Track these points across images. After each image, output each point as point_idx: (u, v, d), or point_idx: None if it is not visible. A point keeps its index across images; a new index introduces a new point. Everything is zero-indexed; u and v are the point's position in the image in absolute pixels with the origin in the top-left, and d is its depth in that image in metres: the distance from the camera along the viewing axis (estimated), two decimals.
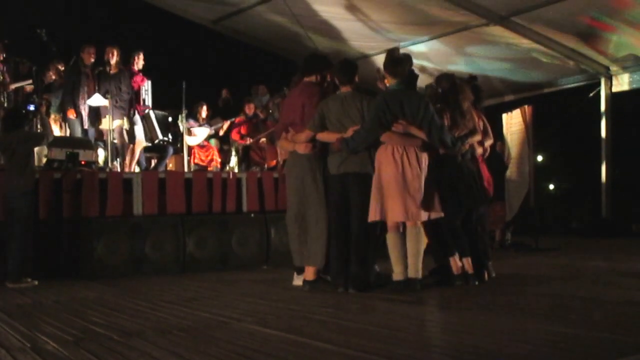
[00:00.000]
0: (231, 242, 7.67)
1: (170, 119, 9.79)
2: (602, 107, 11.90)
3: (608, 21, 9.65)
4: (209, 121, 10.50)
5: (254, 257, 7.75)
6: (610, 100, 11.83)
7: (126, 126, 8.81)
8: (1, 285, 6.26)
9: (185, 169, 9.24)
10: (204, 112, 10.41)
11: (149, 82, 9.45)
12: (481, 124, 5.80)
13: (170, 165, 9.88)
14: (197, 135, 10.07)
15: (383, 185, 5.07)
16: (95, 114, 8.76)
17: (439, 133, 5.10)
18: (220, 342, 3.40)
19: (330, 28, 11.56)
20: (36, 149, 7.02)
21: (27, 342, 3.58)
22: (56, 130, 8.70)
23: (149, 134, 9.29)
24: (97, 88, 8.73)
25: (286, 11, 10.78)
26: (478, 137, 5.64)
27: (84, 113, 8.70)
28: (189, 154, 9.76)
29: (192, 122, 10.07)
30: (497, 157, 9.45)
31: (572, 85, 12.22)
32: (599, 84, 11.86)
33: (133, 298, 5.29)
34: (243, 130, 10.64)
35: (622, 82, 11.58)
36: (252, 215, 7.98)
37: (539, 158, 14.34)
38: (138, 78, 9.14)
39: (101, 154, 8.84)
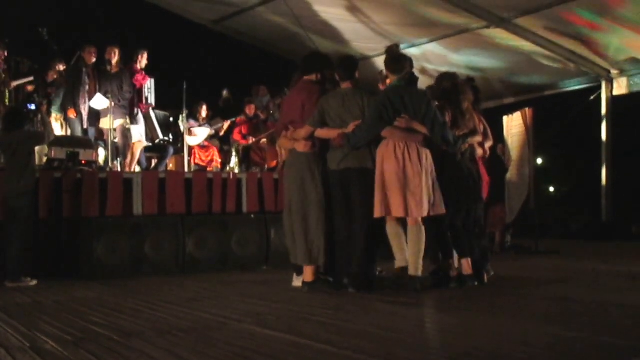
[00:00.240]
0: (231, 243, 7.66)
1: (171, 118, 9.79)
2: (603, 110, 11.90)
3: (598, 20, 9.59)
4: (210, 121, 10.50)
5: (254, 257, 7.75)
6: (611, 103, 11.83)
7: (128, 125, 8.81)
8: (1, 284, 6.26)
9: (186, 169, 9.24)
10: (203, 112, 10.41)
11: (152, 80, 9.45)
12: (481, 125, 5.81)
13: (171, 165, 9.87)
14: (197, 135, 10.07)
15: (385, 181, 5.07)
16: (96, 113, 8.76)
17: (441, 130, 5.10)
18: (220, 343, 3.40)
19: (331, 29, 11.57)
20: (37, 149, 7.02)
21: (27, 341, 3.57)
22: (57, 130, 8.70)
23: (150, 133, 9.29)
24: (97, 88, 8.73)
25: (287, 12, 10.79)
26: (479, 138, 5.66)
27: (84, 113, 8.70)
28: (190, 154, 9.76)
29: (192, 122, 10.07)
30: (498, 160, 9.45)
31: (573, 88, 12.22)
32: (599, 87, 11.87)
33: (133, 298, 5.29)
34: (244, 130, 10.66)
35: (622, 85, 11.59)
36: (252, 216, 7.97)
37: (539, 160, 14.36)
38: (140, 76, 9.14)
39: (101, 153, 8.83)
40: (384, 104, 5.10)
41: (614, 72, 11.55)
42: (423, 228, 5.11)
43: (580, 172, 17.85)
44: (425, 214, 5.10)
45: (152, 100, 9.49)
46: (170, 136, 9.70)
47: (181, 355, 3.13)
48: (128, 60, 9.12)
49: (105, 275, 6.83)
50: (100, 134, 8.91)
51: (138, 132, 8.93)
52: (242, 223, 7.83)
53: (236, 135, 10.65)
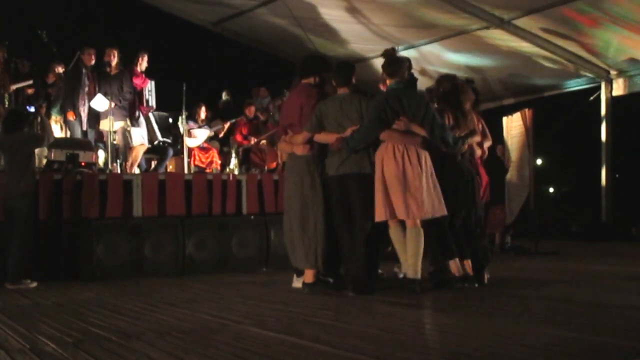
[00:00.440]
0: (231, 244, 7.66)
1: (170, 120, 9.78)
2: (602, 111, 11.90)
3: (597, 13, 9.54)
4: (209, 123, 10.50)
5: (254, 259, 7.74)
6: (611, 103, 11.83)
7: (128, 127, 8.81)
8: (1, 286, 6.26)
9: (185, 171, 9.24)
10: (202, 113, 10.40)
11: (153, 82, 9.46)
12: (480, 126, 5.81)
13: (170, 167, 9.87)
14: (197, 137, 10.07)
15: (386, 184, 5.07)
16: (95, 115, 8.76)
17: (440, 132, 5.10)
18: (220, 345, 3.40)
19: (330, 31, 11.57)
20: (36, 150, 7.02)
21: (27, 343, 3.57)
22: (57, 132, 8.70)
23: (149, 135, 9.29)
24: (97, 89, 8.73)
25: (287, 13, 10.80)
26: (477, 139, 5.66)
27: (84, 115, 8.70)
28: (189, 156, 9.76)
29: (192, 123, 10.07)
30: (498, 161, 9.46)
31: (573, 88, 12.23)
32: (599, 88, 11.87)
33: (132, 300, 5.29)
34: (244, 132, 10.67)
35: (622, 86, 11.59)
36: (252, 217, 7.97)
37: (539, 161, 14.36)
38: (139, 80, 9.14)
39: (101, 155, 8.83)
40: (382, 106, 5.10)
41: (613, 72, 11.56)
42: (422, 230, 5.11)
43: (580, 172, 17.87)
44: (426, 215, 5.10)
45: (152, 102, 9.50)
46: (170, 138, 9.70)
47: (181, 357, 3.13)
48: (128, 62, 9.12)
49: (105, 276, 6.82)
50: (100, 135, 8.91)
51: (140, 135, 8.92)
52: (241, 224, 7.82)
53: (237, 137, 10.65)
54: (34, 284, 6.36)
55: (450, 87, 5.62)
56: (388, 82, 5.32)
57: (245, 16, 11.60)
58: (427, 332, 3.69)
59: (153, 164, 9.58)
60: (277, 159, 9.64)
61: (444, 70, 10.73)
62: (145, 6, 11.56)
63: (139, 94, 9.17)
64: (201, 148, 10.13)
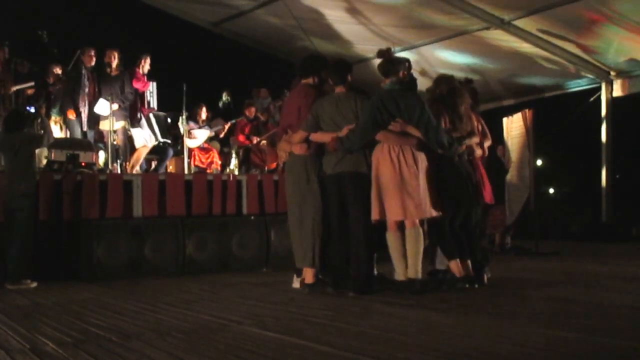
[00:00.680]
0: (231, 245, 7.66)
1: (169, 119, 9.78)
2: (603, 112, 11.90)
3: (595, 14, 9.53)
4: (210, 123, 10.50)
5: (254, 259, 7.74)
6: (611, 104, 11.83)
7: (129, 127, 8.81)
8: (1, 286, 6.26)
9: (186, 171, 9.24)
10: (203, 113, 10.41)
11: (154, 84, 9.46)
12: (479, 126, 5.80)
13: (170, 167, 9.87)
14: (197, 137, 10.07)
15: (382, 184, 5.07)
16: (95, 116, 8.75)
17: (435, 133, 5.10)
18: (220, 345, 3.40)
19: (331, 31, 11.58)
20: (36, 151, 7.03)
21: (27, 343, 3.58)
22: (56, 132, 8.70)
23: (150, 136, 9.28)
24: (97, 90, 8.73)
25: (287, 14, 10.80)
26: (476, 139, 5.65)
27: (84, 115, 8.70)
28: (189, 156, 9.76)
29: (192, 124, 10.07)
30: (498, 161, 9.45)
31: (573, 89, 12.23)
32: (599, 89, 11.87)
33: (133, 300, 5.29)
34: (246, 132, 10.68)
35: (622, 87, 11.58)
36: (252, 217, 7.97)
37: (539, 162, 14.35)
38: (141, 82, 9.14)
39: (101, 155, 8.83)
40: (377, 107, 5.10)
41: (613, 73, 11.56)
42: (421, 230, 5.11)
43: (580, 173, 17.88)
44: (424, 215, 5.10)
45: (154, 104, 9.50)
46: (170, 138, 9.69)
47: (181, 357, 3.13)
48: (128, 62, 9.12)
49: (105, 277, 6.82)
50: (100, 136, 8.91)
51: (142, 137, 8.92)
52: (242, 225, 7.82)
53: (239, 137, 10.65)
54: (34, 284, 6.36)
55: (447, 89, 5.61)
56: (384, 82, 5.32)
57: (246, 17, 11.60)
58: (427, 332, 3.69)
59: (153, 164, 9.58)
60: (277, 160, 9.64)
61: (445, 71, 10.73)
62: (145, 7, 11.56)
63: (140, 95, 9.17)
64: (201, 148, 10.13)
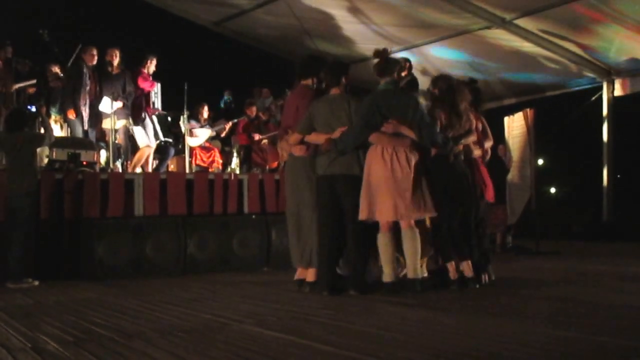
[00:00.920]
0: (232, 244, 7.66)
1: (169, 118, 9.78)
2: (604, 111, 11.89)
3: (597, 12, 9.51)
4: (212, 122, 10.51)
5: (255, 258, 7.75)
6: (612, 104, 11.82)
7: (130, 126, 8.81)
8: (2, 285, 6.27)
9: (187, 170, 9.25)
10: (205, 113, 10.41)
11: (159, 84, 9.47)
12: (480, 125, 5.78)
13: (172, 166, 9.88)
14: (198, 136, 10.08)
15: (372, 185, 5.06)
16: (96, 114, 8.76)
17: (429, 133, 5.09)
18: (221, 344, 3.41)
19: (332, 30, 11.57)
20: (38, 150, 7.03)
21: (28, 342, 3.58)
22: (57, 131, 8.70)
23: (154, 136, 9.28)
24: (98, 89, 8.73)
25: (288, 13, 10.80)
26: (473, 138, 5.62)
27: (85, 114, 8.70)
28: (191, 155, 9.77)
29: (193, 123, 10.08)
30: (499, 161, 9.45)
31: (574, 88, 12.22)
32: (601, 88, 11.86)
33: (134, 299, 5.29)
34: (250, 130, 10.69)
35: (624, 86, 11.57)
36: (254, 216, 7.98)
37: (540, 161, 14.36)
38: (147, 83, 9.15)
39: (103, 154, 8.83)
40: (371, 108, 5.09)
41: (615, 72, 11.54)
42: (417, 230, 5.10)
43: (582, 172, 17.85)
44: (416, 216, 5.09)
45: (158, 104, 9.51)
46: (171, 137, 9.70)
47: (182, 356, 3.14)
48: (129, 61, 9.12)
49: (106, 276, 6.83)
50: (102, 135, 8.91)
51: (146, 137, 8.92)
52: (243, 224, 7.83)
53: (242, 136, 10.65)
54: (36, 283, 6.37)
55: (445, 87, 5.60)
56: (381, 82, 5.30)
57: (247, 16, 11.60)
58: (428, 331, 3.69)
59: (154, 163, 9.58)
60: (278, 159, 9.64)
61: (446, 70, 10.74)
62: (147, 6, 11.57)
63: (146, 96, 9.17)
64: (203, 147, 10.14)
